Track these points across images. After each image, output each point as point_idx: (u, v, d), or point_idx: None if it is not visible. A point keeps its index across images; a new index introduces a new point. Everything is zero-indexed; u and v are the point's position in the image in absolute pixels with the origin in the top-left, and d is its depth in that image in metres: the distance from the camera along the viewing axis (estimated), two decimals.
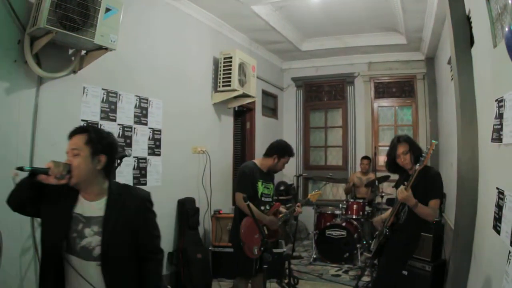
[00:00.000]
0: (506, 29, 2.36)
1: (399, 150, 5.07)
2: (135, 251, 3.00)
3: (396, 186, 5.47)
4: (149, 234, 3.12)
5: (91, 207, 2.94)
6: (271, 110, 12.35)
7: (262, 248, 5.51)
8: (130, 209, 3.00)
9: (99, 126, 5.75)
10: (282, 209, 6.04)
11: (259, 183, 5.75)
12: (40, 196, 2.88)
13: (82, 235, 2.86)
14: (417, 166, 4.66)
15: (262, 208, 5.75)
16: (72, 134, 2.96)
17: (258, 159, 6.01)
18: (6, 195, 4.36)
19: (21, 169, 2.76)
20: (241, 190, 5.64)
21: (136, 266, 3.01)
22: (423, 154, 4.65)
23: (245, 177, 5.77)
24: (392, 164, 5.29)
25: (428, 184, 4.85)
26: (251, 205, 5.22)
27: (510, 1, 2.13)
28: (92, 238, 2.86)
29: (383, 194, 9.58)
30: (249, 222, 5.61)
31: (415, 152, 5.03)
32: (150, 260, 3.07)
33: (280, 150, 5.80)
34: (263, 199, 5.77)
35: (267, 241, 5.02)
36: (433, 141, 4.66)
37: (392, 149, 5.22)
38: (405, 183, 4.78)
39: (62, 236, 2.83)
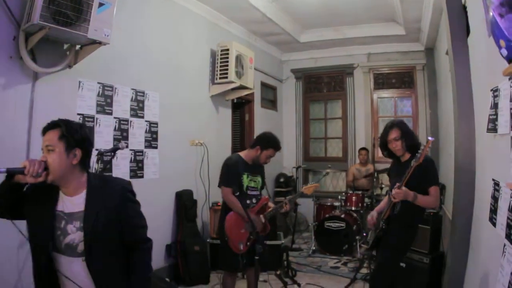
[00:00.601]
0: (490, 14, 2.33)
1: (391, 135, 5.02)
2: (120, 242, 2.98)
3: (389, 175, 5.57)
4: (133, 225, 3.07)
5: (71, 202, 2.91)
6: (271, 102, 12.34)
7: (247, 243, 5.53)
8: (111, 200, 2.96)
9: (95, 120, 5.79)
10: (271, 204, 5.94)
11: (244, 176, 5.68)
12: (20, 198, 2.87)
13: (65, 232, 2.85)
14: (413, 163, 4.57)
15: (248, 202, 5.64)
16: (45, 130, 2.92)
17: (244, 151, 5.94)
18: None
19: None
20: (224, 184, 5.65)
21: (122, 258, 3.00)
22: (419, 151, 4.55)
23: (228, 170, 5.73)
24: (386, 148, 5.22)
25: (422, 172, 4.73)
26: (236, 200, 5.37)
27: None
28: (75, 235, 2.84)
29: (382, 186, 9.58)
30: (234, 217, 5.61)
31: (408, 139, 4.99)
32: (137, 250, 3.05)
33: (263, 141, 5.70)
34: (248, 192, 5.69)
35: (258, 232, 5.02)
36: (429, 138, 4.57)
37: (383, 133, 5.16)
38: (397, 184, 4.71)
39: (48, 236, 2.83)
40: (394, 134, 4.99)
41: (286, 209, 5.87)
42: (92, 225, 2.84)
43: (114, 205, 2.96)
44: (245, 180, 5.68)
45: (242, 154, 5.83)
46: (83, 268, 2.83)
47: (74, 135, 2.88)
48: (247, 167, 5.73)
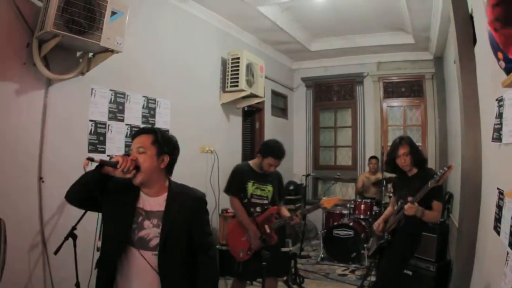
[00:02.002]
0: (488, 27, 2.39)
1: (400, 151, 5.22)
2: (188, 245, 3.19)
3: (394, 191, 5.72)
4: (202, 231, 3.31)
5: (151, 202, 3.16)
6: (281, 110, 12.37)
7: (248, 252, 5.57)
8: (188, 207, 3.20)
9: (107, 126, 5.86)
10: (285, 212, 5.93)
11: (249, 184, 5.73)
12: (103, 191, 3.07)
13: (141, 226, 3.09)
14: (431, 183, 4.72)
15: (252, 209, 5.58)
16: (138, 134, 3.20)
17: (254, 159, 5.96)
18: (17, 193, 4.49)
19: (91, 159, 2.97)
20: (226, 190, 5.85)
21: (188, 260, 3.22)
22: (438, 173, 4.73)
23: (232, 177, 5.88)
24: (391, 163, 5.42)
25: (432, 186, 4.85)
26: (240, 208, 5.50)
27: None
28: (150, 230, 3.08)
29: (390, 194, 9.60)
30: (236, 224, 5.74)
31: (415, 155, 5.24)
32: (202, 254, 3.26)
33: (263, 149, 5.73)
34: (252, 200, 5.71)
35: (265, 238, 5.05)
36: (450, 163, 4.78)
37: (393, 149, 5.33)
38: (410, 198, 4.87)
39: (127, 228, 3.05)
40: (404, 149, 5.20)
41: (296, 221, 5.84)
42: (169, 223, 3.09)
43: (190, 211, 3.22)
44: (250, 187, 5.72)
45: (251, 162, 5.87)
46: (151, 261, 3.03)
47: (166, 142, 3.19)
48: (254, 175, 5.76)
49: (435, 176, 4.70)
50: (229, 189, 5.86)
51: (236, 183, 5.79)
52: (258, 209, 5.70)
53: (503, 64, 2.11)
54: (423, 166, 5.37)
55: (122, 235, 3.02)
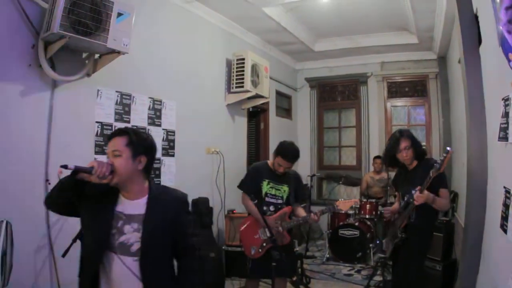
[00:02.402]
0: (500, 28, 2.40)
1: (402, 145, 5.13)
2: (171, 248, 3.16)
3: (395, 183, 5.72)
4: (185, 233, 3.27)
5: (131, 205, 3.07)
6: (285, 110, 12.39)
7: (260, 250, 5.59)
8: (169, 209, 3.15)
9: (113, 128, 5.85)
10: (302, 213, 5.84)
11: (264, 183, 5.71)
12: (79, 196, 2.98)
13: (121, 231, 3.01)
14: (432, 172, 4.64)
15: (265, 208, 5.66)
16: (112, 136, 3.09)
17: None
18: (24, 195, 4.50)
19: (65, 167, 2.83)
20: (239, 186, 5.86)
21: (171, 263, 3.18)
22: (438, 161, 4.63)
23: (247, 175, 5.94)
24: (391, 158, 5.36)
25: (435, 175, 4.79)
26: (253, 206, 5.42)
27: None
28: (131, 235, 3.00)
29: (396, 194, 9.61)
30: (250, 221, 5.75)
31: (417, 148, 5.19)
32: (185, 256, 3.24)
33: (277, 148, 5.71)
34: (266, 199, 5.69)
35: (275, 238, 5.04)
36: (448, 148, 4.68)
37: (394, 144, 5.24)
38: (418, 187, 4.77)
39: (106, 233, 2.97)
40: (405, 143, 5.13)
41: (314, 219, 5.65)
42: (150, 228, 3.01)
43: (172, 213, 3.16)
44: (265, 186, 5.71)
45: (270, 161, 5.90)
46: (133, 267, 2.97)
47: (141, 142, 3.08)
48: (270, 174, 5.76)
49: (435, 164, 4.64)
50: (241, 185, 5.88)
51: (249, 181, 5.82)
52: (271, 208, 5.69)
53: None
54: (423, 158, 5.31)
55: (102, 241, 2.97)
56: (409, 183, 5.11)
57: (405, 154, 5.15)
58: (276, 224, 5.56)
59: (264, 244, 5.61)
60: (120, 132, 3.09)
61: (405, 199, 5.13)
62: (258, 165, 6.02)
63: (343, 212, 9.67)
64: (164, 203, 3.14)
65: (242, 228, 5.87)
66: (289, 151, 5.64)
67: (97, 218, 2.99)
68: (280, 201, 5.75)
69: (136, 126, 6.28)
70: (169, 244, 3.13)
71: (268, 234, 5.37)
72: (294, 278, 6.49)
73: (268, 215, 5.58)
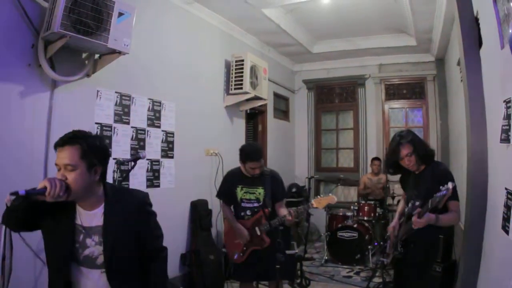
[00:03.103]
0: (510, 31, 2.41)
1: (403, 152, 4.65)
2: (138, 253, 2.99)
3: (402, 184, 5.20)
4: (151, 235, 3.10)
5: (89, 217, 2.90)
6: (283, 112, 12.40)
7: (241, 254, 5.63)
8: (129, 213, 2.96)
9: (112, 129, 5.87)
10: (283, 212, 5.67)
11: (238, 189, 5.73)
12: (36, 212, 2.79)
13: (84, 245, 2.86)
14: (430, 203, 4.17)
15: (242, 213, 5.73)
16: (61, 145, 2.82)
17: None
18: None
19: (15, 194, 2.60)
20: (217, 196, 6.01)
21: (139, 267, 3.01)
22: (438, 194, 4.04)
23: (221, 184, 6.03)
24: (395, 164, 4.91)
25: (440, 184, 4.19)
26: (228, 211, 5.72)
27: None
28: (94, 248, 2.86)
29: (394, 195, 9.62)
30: (229, 228, 5.82)
31: (420, 151, 4.66)
32: (154, 259, 3.08)
33: (241, 156, 5.70)
34: (242, 204, 5.72)
35: (280, 242, 5.03)
36: (449, 185, 4.09)
37: (394, 151, 4.77)
38: (418, 210, 4.29)
39: (68, 248, 2.82)
40: (406, 150, 4.65)
41: (289, 220, 5.50)
42: (111, 240, 2.85)
43: (132, 218, 2.96)
44: (239, 192, 5.74)
45: (242, 166, 5.81)
46: (102, 280, 2.85)
47: (96, 153, 2.83)
48: (242, 179, 5.75)
49: (435, 195, 4.05)
50: (218, 195, 6.02)
51: (224, 189, 5.92)
52: (248, 212, 5.70)
53: None
54: (431, 160, 4.79)
55: (66, 257, 2.83)
56: (417, 188, 4.74)
57: (407, 162, 4.68)
58: (246, 235, 5.62)
59: (245, 248, 5.66)
60: (71, 141, 2.80)
61: (409, 206, 4.72)
62: (231, 172, 6.02)
63: (340, 214, 9.70)
64: (122, 209, 2.95)
65: (225, 234, 5.99)
66: (254, 152, 5.64)
67: (57, 234, 2.82)
68: (256, 204, 5.72)
69: (136, 127, 6.31)
70: (135, 250, 2.97)
71: (247, 237, 5.56)
72: (299, 280, 6.50)
73: (246, 220, 5.67)
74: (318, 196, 5.78)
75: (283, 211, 5.70)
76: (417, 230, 4.44)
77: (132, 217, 2.95)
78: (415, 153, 4.64)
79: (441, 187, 4.04)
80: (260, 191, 5.72)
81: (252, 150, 5.65)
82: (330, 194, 5.70)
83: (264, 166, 5.79)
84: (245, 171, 5.72)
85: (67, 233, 2.83)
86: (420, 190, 4.62)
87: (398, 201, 7.09)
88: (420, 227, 4.28)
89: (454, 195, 4.38)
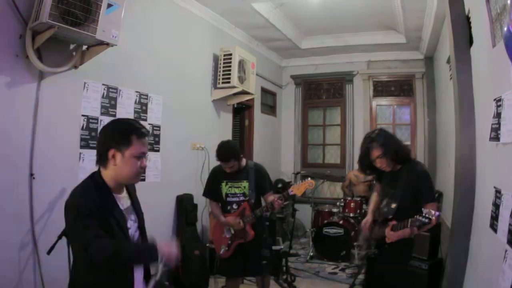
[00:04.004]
0: (505, 28, 2.39)
1: (373, 154, 4.58)
2: None
3: (378, 178, 5.09)
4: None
5: (122, 199, 3.07)
6: (270, 107, 12.38)
7: (228, 248, 5.72)
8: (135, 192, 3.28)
9: (99, 122, 5.80)
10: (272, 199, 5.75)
11: (223, 184, 5.86)
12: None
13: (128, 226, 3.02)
14: (410, 223, 4.07)
15: (229, 208, 5.84)
16: (145, 135, 3.05)
17: None
18: (7, 189, 4.41)
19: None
20: (203, 194, 6.15)
21: None
22: (425, 218, 3.88)
23: (207, 181, 6.18)
24: (368, 166, 4.80)
25: (418, 185, 4.41)
26: (214, 206, 5.88)
27: (509, 1, 2.15)
28: (133, 227, 3.06)
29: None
30: (216, 222, 5.94)
31: (392, 152, 4.53)
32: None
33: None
34: (228, 199, 5.84)
35: (267, 237, 5.05)
36: (437, 213, 3.89)
37: (365, 153, 4.69)
38: (392, 223, 4.31)
39: (127, 234, 2.96)
40: (376, 152, 4.57)
41: (279, 203, 5.52)
42: (141, 216, 3.17)
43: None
44: (224, 188, 5.86)
45: None
46: None
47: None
48: (226, 174, 5.84)
49: (417, 218, 3.92)
50: (204, 193, 6.14)
51: (209, 187, 6.06)
52: (234, 206, 5.82)
53: None
54: (407, 160, 4.63)
55: (129, 240, 2.97)
56: (391, 186, 4.68)
57: (379, 164, 4.61)
58: (236, 220, 5.66)
59: (230, 242, 5.75)
60: (147, 132, 3.09)
61: (383, 205, 4.76)
62: (215, 168, 6.13)
63: (326, 210, 9.71)
64: (133, 188, 3.27)
65: (212, 229, 6.13)
66: (220, 153, 5.73)
67: (115, 229, 2.86)
68: (242, 198, 5.84)
69: None
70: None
71: (232, 232, 5.72)
72: (285, 277, 6.51)
73: (232, 213, 5.77)
74: (296, 183, 5.83)
75: (271, 198, 5.77)
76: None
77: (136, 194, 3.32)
78: (386, 155, 4.55)
79: (424, 211, 3.91)
80: (245, 184, 5.83)
81: (221, 151, 5.75)
82: (308, 179, 5.66)
83: (243, 163, 5.91)
84: None
85: (122, 221, 2.94)
86: (396, 191, 4.57)
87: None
88: (393, 240, 4.29)
89: (431, 196, 4.44)
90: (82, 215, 2.70)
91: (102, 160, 2.94)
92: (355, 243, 8.73)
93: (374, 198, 5.22)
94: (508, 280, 3.06)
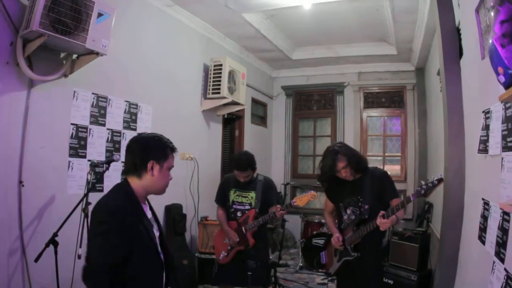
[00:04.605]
0: (490, 41, 2.40)
1: (339, 165, 4.79)
2: None
3: (332, 195, 5.33)
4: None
5: (147, 210, 3.11)
6: (261, 118, 12.37)
7: (227, 254, 5.86)
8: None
9: (88, 131, 5.80)
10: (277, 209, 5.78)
11: (231, 192, 6.04)
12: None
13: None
14: (410, 196, 4.36)
15: (233, 215, 5.99)
16: (176, 150, 3.22)
17: None
18: None
19: None
20: (215, 201, 6.23)
21: None
22: (423, 186, 4.26)
23: (218, 188, 6.28)
24: (331, 177, 4.99)
25: (382, 185, 4.81)
26: (220, 212, 6.03)
27: (492, 14, 2.16)
28: (156, 237, 3.08)
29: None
30: (220, 229, 6.09)
31: (355, 162, 4.84)
32: None
33: (231, 163, 6.07)
34: (233, 206, 6.01)
35: (250, 248, 5.08)
36: (440, 174, 4.27)
37: (330, 166, 4.84)
38: (382, 212, 4.42)
39: (155, 240, 3.04)
40: (342, 163, 4.79)
41: (281, 213, 5.70)
42: (161, 226, 3.24)
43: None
44: (232, 195, 6.03)
45: None
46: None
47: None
48: (237, 183, 6.01)
49: (420, 188, 4.26)
50: (216, 200, 6.23)
51: (220, 194, 6.19)
52: (239, 214, 5.95)
53: (502, 78, 2.11)
54: (365, 168, 4.97)
55: (156, 248, 3.03)
56: (355, 194, 4.93)
57: (344, 174, 4.85)
58: (234, 237, 5.81)
59: (229, 248, 5.88)
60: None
61: (354, 213, 4.95)
62: (227, 176, 6.34)
63: (315, 221, 9.68)
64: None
65: (215, 233, 6.23)
66: (237, 162, 5.91)
67: (145, 240, 2.93)
68: (247, 207, 5.97)
69: (112, 129, 6.23)
70: None
71: (236, 238, 5.80)
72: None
73: (237, 221, 5.92)
74: (299, 195, 5.96)
75: (272, 208, 5.85)
76: (365, 235, 4.72)
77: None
78: (350, 165, 4.82)
79: (422, 184, 4.28)
80: (252, 195, 5.97)
81: (240, 161, 5.90)
82: (310, 191, 5.80)
83: (254, 175, 6.07)
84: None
85: (150, 230, 3.01)
86: (364, 195, 4.85)
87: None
88: (388, 227, 4.54)
89: (395, 192, 4.86)
90: (114, 229, 2.73)
91: (138, 170, 3.01)
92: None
93: (329, 218, 5.47)
94: None
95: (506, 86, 2.20)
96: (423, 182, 4.29)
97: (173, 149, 3.16)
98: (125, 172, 3.10)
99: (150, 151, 3.05)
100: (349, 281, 5.06)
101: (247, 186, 5.97)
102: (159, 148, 3.09)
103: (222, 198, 6.12)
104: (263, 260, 5.84)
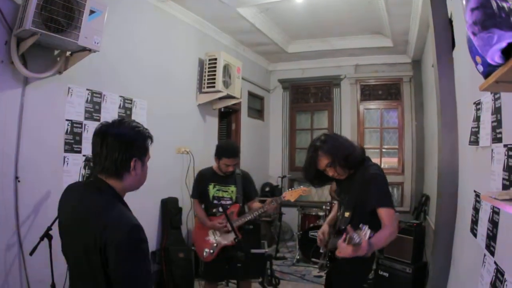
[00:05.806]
0: (468, 31, 2.40)
1: (322, 163, 4.04)
2: None
3: (338, 186, 4.43)
4: None
5: None
6: (257, 111, 12.39)
7: (211, 251, 5.72)
8: None
9: (83, 126, 5.83)
10: (257, 205, 5.85)
11: (210, 187, 5.89)
12: None
13: None
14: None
15: (214, 210, 5.87)
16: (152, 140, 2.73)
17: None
18: None
19: None
20: (191, 196, 6.17)
21: None
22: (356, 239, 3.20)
23: (194, 182, 6.18)
24: (318, 176, 4.22)
25: (368, 189, 3.85)
26: (199, 209, 5.85)
27: (464, 2, 2.16)
28: None
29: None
30: (200, 225, 5.94)
31: (341, 159, 3.97)
32: None
33: (217, 152, 5.82)
34: (215, 202, 5.85)
35: (241, 240, 5.05)
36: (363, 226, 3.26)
37: (311, 163, 4.12)
38: (345, 236, 3.32)
39: None
40: (323, 161, 4.03)
41: (273, 207, 5.63)
42: None
43: None
44: (211, 190, 5.89)
45: (214, 165, 5.97)
46: None
47: None
48: (215, 177, 5.92)
49: (354, 236, 3.20)
50: (193, 195, 6.12)
51: (196, 188, 6.05)
52: (220, 209, 5.67)
53: (481, 68, 2.11)
54: (360, 164, 4.06)
55: None
56: (346, 193, 4.16)
57: (331, 173, 4.08)
58: (221, 224, 5.69)
59: (215, 245, 5.76)
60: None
61: (339, 217, 4.15)
62: (203, 171, 6.13)
63: (313, 214, 9.70)
64: None
65: (194, 231, 6.18)
66: (231, 149, 5.81)
67: None
68: (229, 202, 5.89)
69: None
70: None
71: (218, 235, 5.75)
72: (260, 280, 6.52)
73: (218, 216, 5.80)
74: (290, 189, 5.92)
75: (256, 205, 5.90)
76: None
77: None
78: (335, 163, 4.00)
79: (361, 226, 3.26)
80: (233, 189, 5.90)
81: (230, 148, 5.84)
82: (301, 186, 5.77)
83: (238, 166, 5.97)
84: (218, 169, 5.86)
85: None
86: (350, 197, 4.06)
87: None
88: (345, 256, 3.32)
89: (384, 200, 3.80)
90: (145, 251, 2.37)
91: (118, 171, 2.53)
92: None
93: (334, 209, 4.68)
94: (487, 285, 3.07)
95: (485, 75, 2.20)
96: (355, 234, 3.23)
97: (152, 139, 2.72)
98: (99, 171, 2.55)
99: (133, 147, 2.56)
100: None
101: (227, 180, 5.91)
102: (141, 142, 2.65)
103: (201, 194, 5.92)
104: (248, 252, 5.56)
